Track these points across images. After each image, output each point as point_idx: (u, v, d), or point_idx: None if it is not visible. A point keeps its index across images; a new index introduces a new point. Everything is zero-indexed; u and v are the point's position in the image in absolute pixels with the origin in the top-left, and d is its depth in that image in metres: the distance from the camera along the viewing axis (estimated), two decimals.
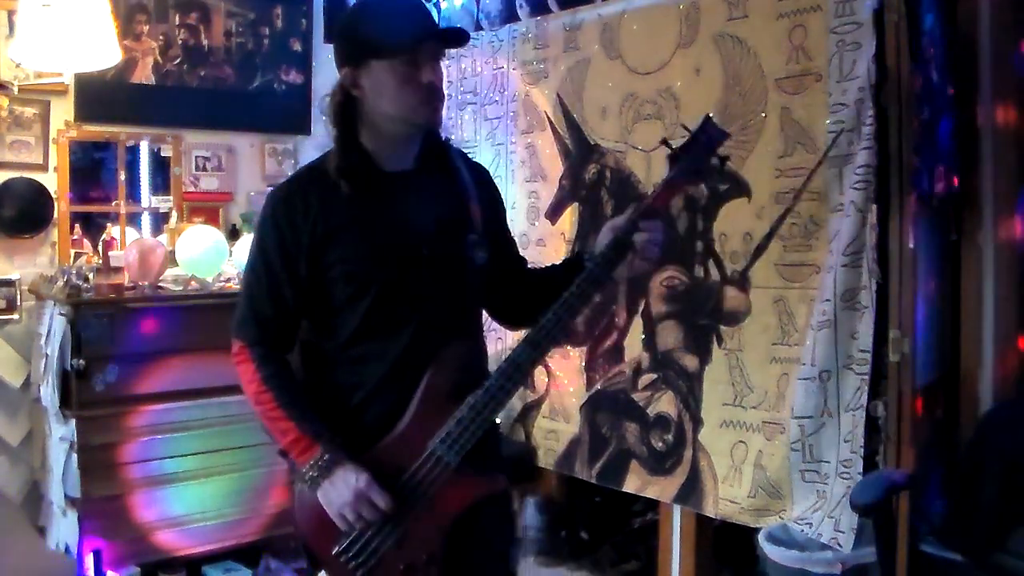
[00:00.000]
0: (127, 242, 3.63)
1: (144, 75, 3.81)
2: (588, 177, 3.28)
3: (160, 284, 3.40)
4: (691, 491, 2.90)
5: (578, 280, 1.67)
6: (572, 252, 3.31)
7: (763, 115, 2.70)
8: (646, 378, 3.06)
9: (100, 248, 3.60)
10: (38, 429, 3.43)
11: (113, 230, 3.71)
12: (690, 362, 2.92)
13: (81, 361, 3.12)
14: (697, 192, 2.85)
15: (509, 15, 3.65)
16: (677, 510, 3.00)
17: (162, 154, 3.92)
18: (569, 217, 3.36)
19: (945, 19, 2.65)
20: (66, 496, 3.17)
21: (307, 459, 1.66)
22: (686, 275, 2.93)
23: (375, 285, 1.70)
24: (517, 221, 3.48)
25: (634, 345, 3.10)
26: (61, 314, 3.19)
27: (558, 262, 1.96)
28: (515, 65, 3.55)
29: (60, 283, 3.26)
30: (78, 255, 3.64)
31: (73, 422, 3.12)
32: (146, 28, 3.80)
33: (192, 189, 3.97)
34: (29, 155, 3.57)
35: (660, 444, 3.00)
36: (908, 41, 2.40)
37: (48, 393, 3.18)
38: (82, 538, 3.11)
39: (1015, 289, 2.69)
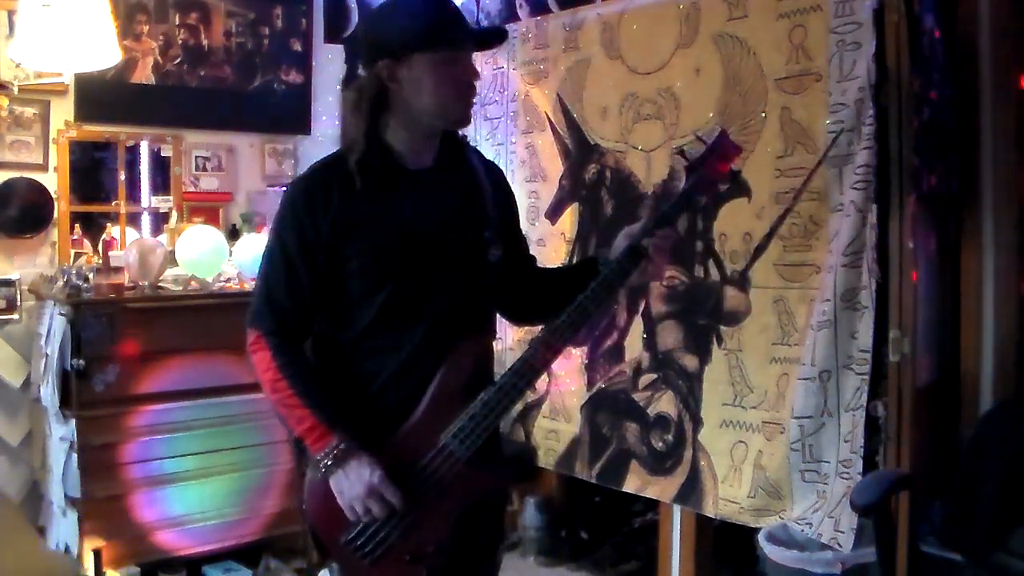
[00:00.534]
0: (127, 242, 3.63)
1: (144, 75, 3.81)
2: (588, 177, 3.28)
3: (160, 284, 3.40)
4: (691, 491, 2.90)
5: (593, 285, 1.70)
6: (572, 252, 3.32)
7: (763, 115, 2.70)
8: (646, 378, 3.06)
9: (100, 248, 3.61)
10: (38, 429, 3.43)
11: (113, 230, 3.71)
12: (690, 362, 2.93)
13: (81, 361, 3.12)
14: None
15: (509, 15, 3.66)
16: (677, 510, 3.00)
17: (162, 154, 3.92)
18: (569, 217, 3.36)
19: (945, 19, 2.65)
20: (66, 496, 3.17)
21: (322, 447, 1.66)
22: (686, 275, 2.93)
23: (392, 280, 1.71)
24: None
25: (634, 345, 3.10)
26: (61, 314, 3.19)
27: (571, 264, 1.97)
28: (515, 65, 3.55)
29: (60, 283, 3.26)
30: (78, 255, 3.64)
31: (73, 422, 3.12)
32: (146, 28, 3.80)
33: (192, 189, 3.97)
34: (29, 155, 3.57)
35: (660, 444, 3.00)
36: (908, 41, 2.41)
37: (48, 393, 3.18)
38: (82, 538, 3.11)
39: (1015, 289, 2.70)
